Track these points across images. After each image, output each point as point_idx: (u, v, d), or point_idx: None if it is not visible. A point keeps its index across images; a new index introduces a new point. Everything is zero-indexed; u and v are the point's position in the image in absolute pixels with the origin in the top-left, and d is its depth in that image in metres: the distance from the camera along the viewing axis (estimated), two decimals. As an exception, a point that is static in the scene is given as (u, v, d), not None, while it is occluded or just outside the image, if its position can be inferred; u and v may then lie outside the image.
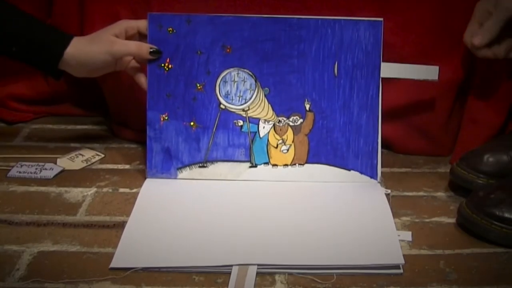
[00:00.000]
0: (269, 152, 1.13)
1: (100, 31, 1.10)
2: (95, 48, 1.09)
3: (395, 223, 1.01)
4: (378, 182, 1.11)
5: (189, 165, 1.12)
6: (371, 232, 0.98)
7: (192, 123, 1.12)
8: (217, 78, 1.11)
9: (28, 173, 1.14)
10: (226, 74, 1.11)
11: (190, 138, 1.12)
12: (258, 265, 0.90)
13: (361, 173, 1.12)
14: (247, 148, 1.13)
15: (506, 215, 0.96)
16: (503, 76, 1.17)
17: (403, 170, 1.19)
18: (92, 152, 1.22)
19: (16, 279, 0.88)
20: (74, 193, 1.10)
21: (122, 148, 1.25)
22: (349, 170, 1.12)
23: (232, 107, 1.12)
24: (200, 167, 1.13)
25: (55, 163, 1.18)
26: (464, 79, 1.18)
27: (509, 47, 1.10)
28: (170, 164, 1.12)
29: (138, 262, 0.91)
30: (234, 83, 1.12)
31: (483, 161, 1.08)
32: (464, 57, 1.16)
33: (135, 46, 1.09)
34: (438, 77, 1.11)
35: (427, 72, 1.12)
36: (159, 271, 0.90)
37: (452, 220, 1.03)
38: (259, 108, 1.12)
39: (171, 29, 1.10)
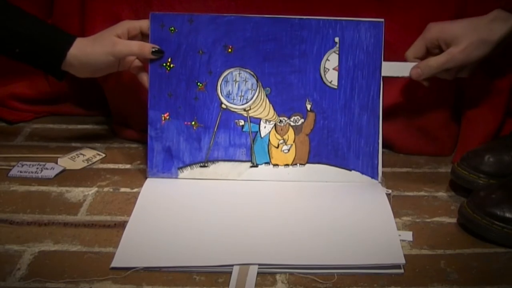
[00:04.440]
0: (270, 152, 1.13)
1: (103, 31, 1.10)
2: (98, 48, 1.09)
3: (396, 223, 1.01)
4: (379, 182, 1.11)
5: (190, 164, 1.12)
6: (372, 232, 0.98)
7: (193, 123, 1.12)
8: (218, 78, 1.11)
9: (29, 172, 1.14)
10: (228, 73, 1.11)
11: (191, 138, 1.12)
12: (259, 265, 0.90)
13: (362, 173, 1.12)
14: (248, 148, 1.13)
15: (507, 215, 0.96)
16: (498, 74, 1.17)
17: (404, 170, 1.19)
18: (93, 152, 1.22)
19: (17, 279, 0.88)
20: (75, 192, 1.10)
21: (123, 147, 1.25)
22: (350, 170, 1.12)
23: (233, 106, 1.12)
24: (201, 166, 1.13)
25: (56, 162, 1.18)
26: (464, 79, 1.18)
27: (456, 72, 1.11)
28: (171, 164, 1.12)
29: (139, 262, 0.91)
30: (235, 83, 1.12)
31: (484, 161, 1.08)
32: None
33: (137, 46, 1.09)
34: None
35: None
36: (160, 271, 0.90)
37: (453, 220, 1.03)
38: (260, 108, 1.12)
39: (173, 28, 1.10)
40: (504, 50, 1.09)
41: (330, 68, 1.11)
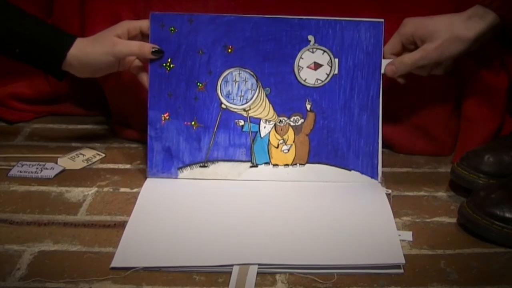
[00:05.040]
0: (270, 152, 1.13)
1: (103, 32, 1.11)
2: (98, 49, 1.09)
3: (395, 223, 1.01)
4: (379, 182, 1.11)
5: (190, 164, 1.12)
6: (371, 232, 0.98)
7: (193, 123, 1.12)
8: (218, 78, 1.11)
9: (29, 172, 1.14)
10: (228, 74, 1.11)
11: (191, 138, 1.12)
12: (259, 264, 0.90)
13: (362, 173, 1.12)
14: (248, 148, 1.13)
15: (507, 215, 0.96)
16: (498, 74, 1.17)
17: (404, 170, 1.19)
18: (93, 152, 1.22)
19: (17, 279, 0.88)
20: (75, 192, 1.10)
21: (123, 147, 1.25)
22: (349, 170, 1.12)
23: (233, 107, 1.12)
24: (201, 166, 1.13)
25: (56, 162, 1.18)
26: (463, 78, 1.18)
27: (431, 68, 1.10)
28: (171, 164, 1.12)
29: (139, 262, 0.91)
30: (235, 83, 1.12)
31: (483, 161, 1.08)
32: (463, 56, 1.16)
33: (137, 46, 1.09)
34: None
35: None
36: (160, 271, 0.90)
37: (453, 220, 1.03)
38: (260, 108, 1.12)
39: (173, 28, 1.10)
40: (482, 47, 1.08)
41: (304, 66, 1.11)
